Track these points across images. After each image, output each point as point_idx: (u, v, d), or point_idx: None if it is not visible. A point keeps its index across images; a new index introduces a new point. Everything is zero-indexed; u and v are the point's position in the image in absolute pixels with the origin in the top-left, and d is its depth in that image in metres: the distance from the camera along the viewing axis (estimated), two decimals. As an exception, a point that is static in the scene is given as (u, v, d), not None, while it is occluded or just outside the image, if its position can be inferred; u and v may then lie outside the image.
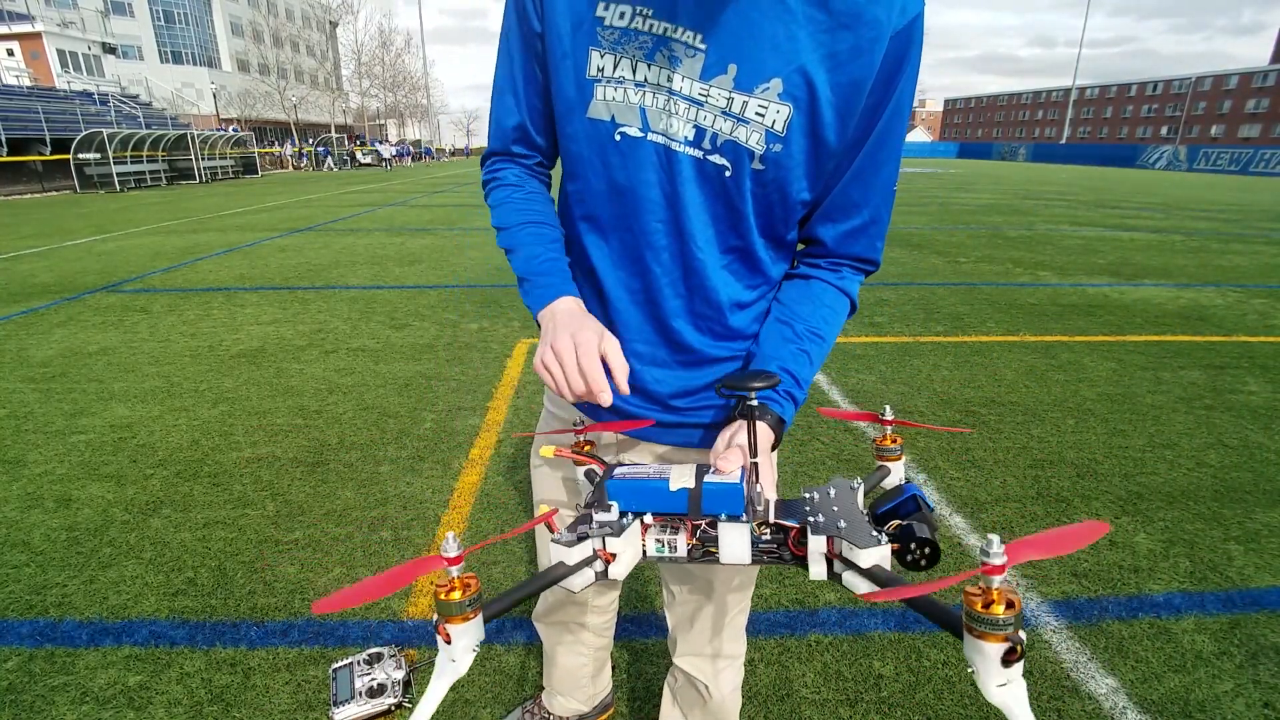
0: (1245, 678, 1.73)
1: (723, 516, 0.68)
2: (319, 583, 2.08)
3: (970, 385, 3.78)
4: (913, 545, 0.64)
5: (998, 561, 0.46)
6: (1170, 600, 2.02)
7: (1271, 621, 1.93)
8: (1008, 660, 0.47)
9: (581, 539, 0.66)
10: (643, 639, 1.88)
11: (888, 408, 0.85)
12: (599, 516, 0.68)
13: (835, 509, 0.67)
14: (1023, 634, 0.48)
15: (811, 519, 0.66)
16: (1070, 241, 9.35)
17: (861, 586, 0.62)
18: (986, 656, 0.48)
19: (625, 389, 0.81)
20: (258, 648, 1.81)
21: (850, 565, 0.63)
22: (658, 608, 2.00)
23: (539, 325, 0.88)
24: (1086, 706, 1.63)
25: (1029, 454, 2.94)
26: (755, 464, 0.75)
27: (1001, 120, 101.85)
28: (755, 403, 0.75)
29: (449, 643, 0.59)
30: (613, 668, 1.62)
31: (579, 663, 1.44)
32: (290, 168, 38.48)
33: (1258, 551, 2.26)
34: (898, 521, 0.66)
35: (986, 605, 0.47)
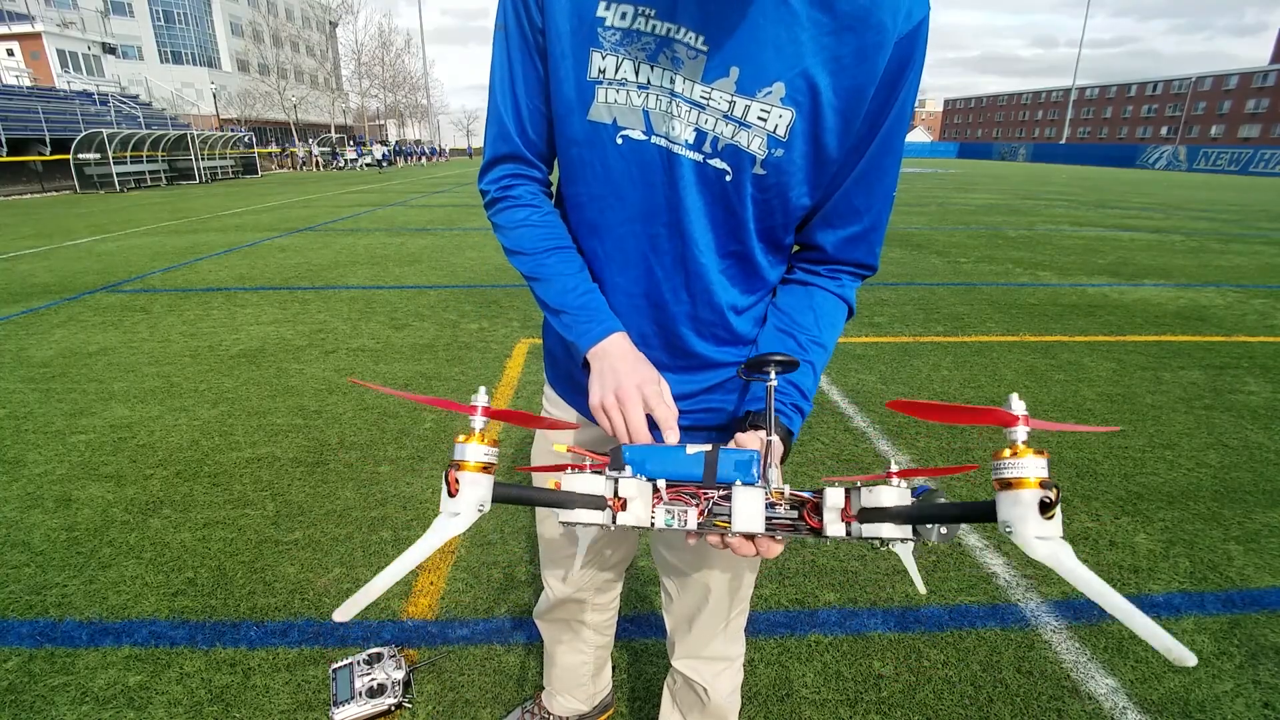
0: (1245, 678, 1.73)
1: (737, 483, 0.68)
2: (319, 583, 2.08)
3: (970, 385, 3.78)
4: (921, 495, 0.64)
5: (1018, 412, 0.49)
6: (1170, 600, 2.02)
7: (1271, 622, 1.93)
8: (1045, 511, 0.48)
9: (596, 473, 0.67)
10: (643, 639, 1.88)
11: (893, 461, 0.75)
12: (612, 473, 0.69)
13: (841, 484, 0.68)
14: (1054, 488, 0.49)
15: (828, 488, 0.67)
16: (1070, 242, 9.34)
17: (884, 529, 0.62)
18: (1023, 504, 0.48)
19: (675, 437, 0.81)
20: (258, 648, 1.81)
21: (869, 516, 0.63)
22: (658, 608, 2.00)
23: (586, 364, 0.87)
24: (1087, 707, 1.63)
25: (1029, 454, 2.94)
26: (770, 441, 0.75)
27: (1001, 120, 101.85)
28: (774, 381, 0.76)
29: (454, 495, 0.58)
30: (613, 668, 1.62)
31: (579, 661, 1.44)
32: (315, 168, 36.87)
33: (1258, 551, 2.26)
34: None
35: (1015, 455, 0.49)
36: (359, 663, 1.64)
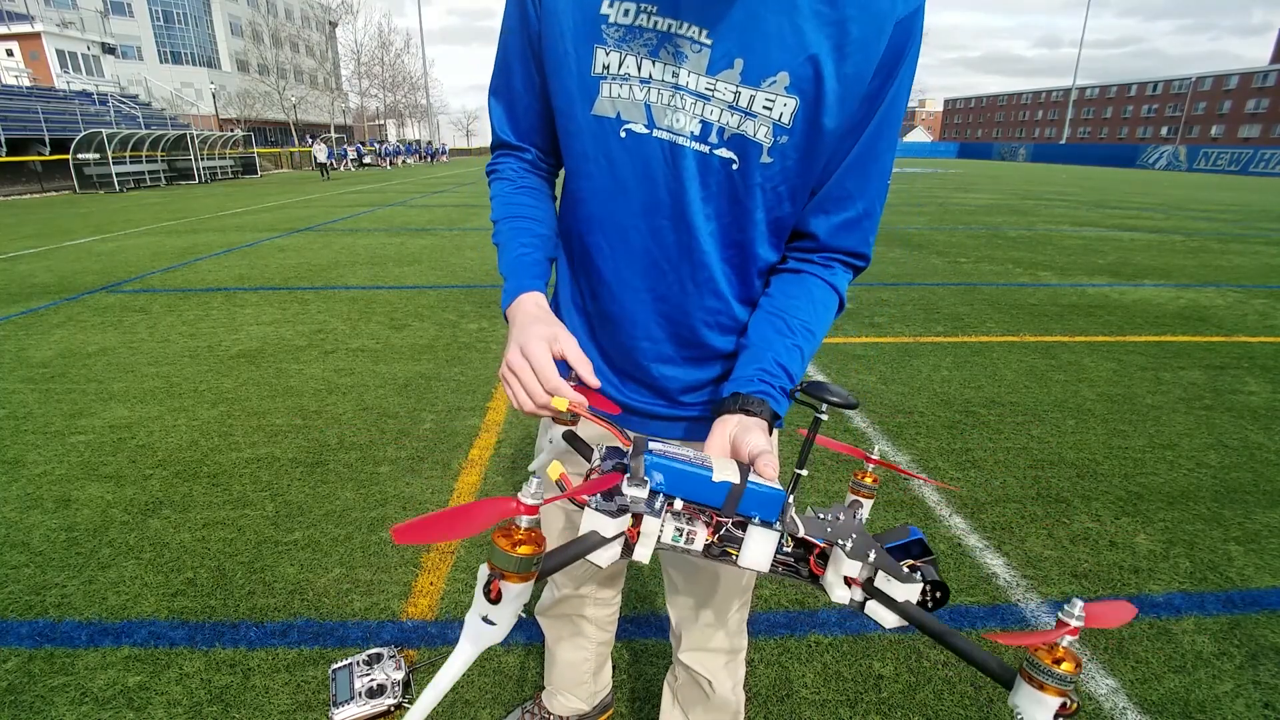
0: (1245, 678, 1.73)
1: (755, 520, 0.65)
2: (318, 583, 2.07)
3: (970, 385, 3.78)
4: (927, 586, 0.64)
5: (1077, 624, 0.49)
6: (1170, 601, 2.02)
7: (1271, 622, 1.93)
8: (1061, 715, 0.49)
9: (621, 511, 0.62)
10: (643, 639, 1.87)
11: (876, 448, 0.83)
12: (630, 490, 0.64)
13: (855, 536, 0.65)
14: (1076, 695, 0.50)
15: (840, 541, 0.65)
16: (1070, 242, 9.35)
17: (889, 620, 0.62)
18: (1045, 707, 0.50)
19: (593, 382, 0.80)
20: (257, 648, 1.81)
21: (877, 595, 0.63)
22: (658, 607, 2.00)
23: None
24: (1087, 707, 1.63)
25: (1029, 454, 2.94)
26: (799, 476, 0.74)
27: (1002, 120, 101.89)
28: (825, 416, 0.75)
29: (496, 601, 0.56)
30: (613, 668, 1.62)
31: (581, 658, 1.44)
32: (334, 165, 32.98)
33: (1258, 552, 2.26)
34: (911, 561, 0.66)
35: (1057, 661, 0.49)
36: (358, 663, 1.64)
